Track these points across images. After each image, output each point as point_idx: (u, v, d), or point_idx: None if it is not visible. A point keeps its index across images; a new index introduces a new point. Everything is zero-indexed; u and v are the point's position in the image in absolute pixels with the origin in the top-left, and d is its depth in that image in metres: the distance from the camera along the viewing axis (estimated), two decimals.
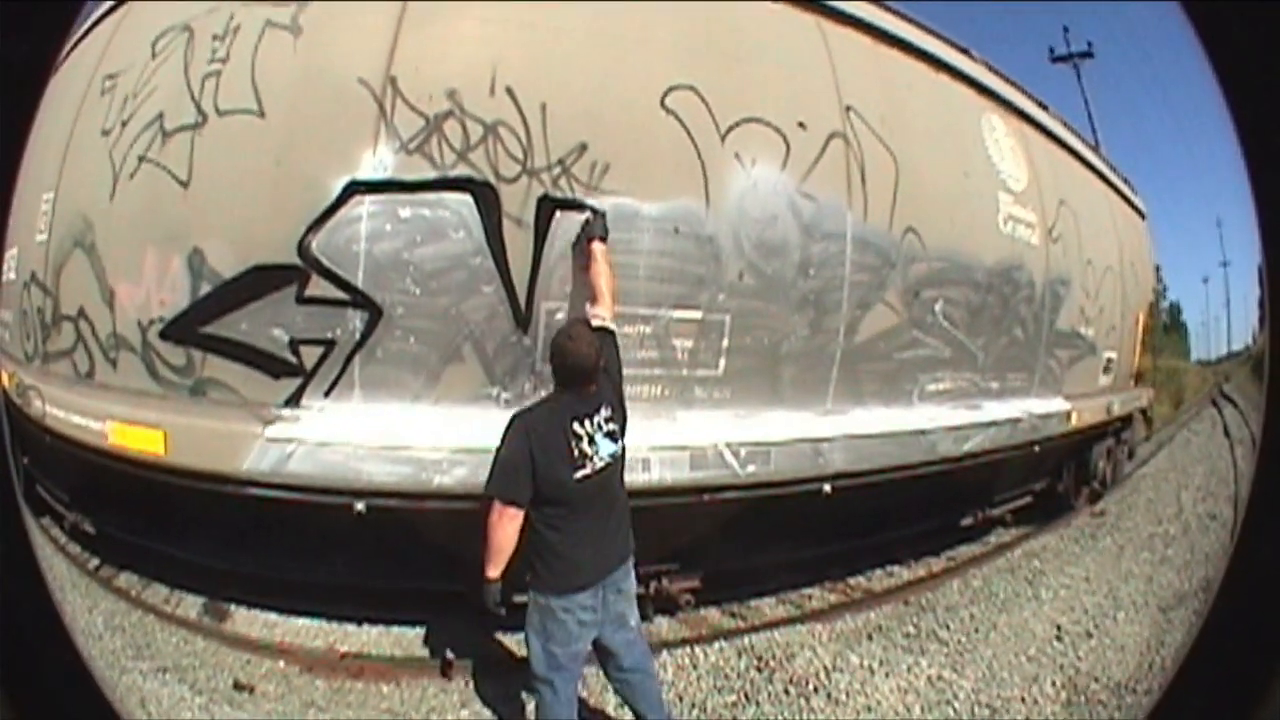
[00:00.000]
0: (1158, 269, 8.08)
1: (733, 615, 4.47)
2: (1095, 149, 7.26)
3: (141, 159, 3.21)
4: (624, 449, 2.68)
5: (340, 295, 3.11)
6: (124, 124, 3.32)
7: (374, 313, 3.13)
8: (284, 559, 3.77)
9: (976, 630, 4.11)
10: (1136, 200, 8.03)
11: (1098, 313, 6.47)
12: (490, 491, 2.48)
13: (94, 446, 3.26)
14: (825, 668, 3.73)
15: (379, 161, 3.09)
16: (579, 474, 2.47)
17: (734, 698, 3.54)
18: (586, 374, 2.57)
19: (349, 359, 3.15)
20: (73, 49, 3.85)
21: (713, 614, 4.41)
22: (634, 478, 3.01)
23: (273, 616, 3.96)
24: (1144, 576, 4.96)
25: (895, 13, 4.67)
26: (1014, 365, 5.32)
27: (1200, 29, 1.51)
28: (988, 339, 4.95)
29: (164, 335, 3.19)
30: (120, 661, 3.25)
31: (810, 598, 4.81)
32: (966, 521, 5.74)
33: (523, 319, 3.28)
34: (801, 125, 3.86)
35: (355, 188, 3.07)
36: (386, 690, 3.46)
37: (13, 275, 3.86)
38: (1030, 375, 5.55)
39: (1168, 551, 5.58)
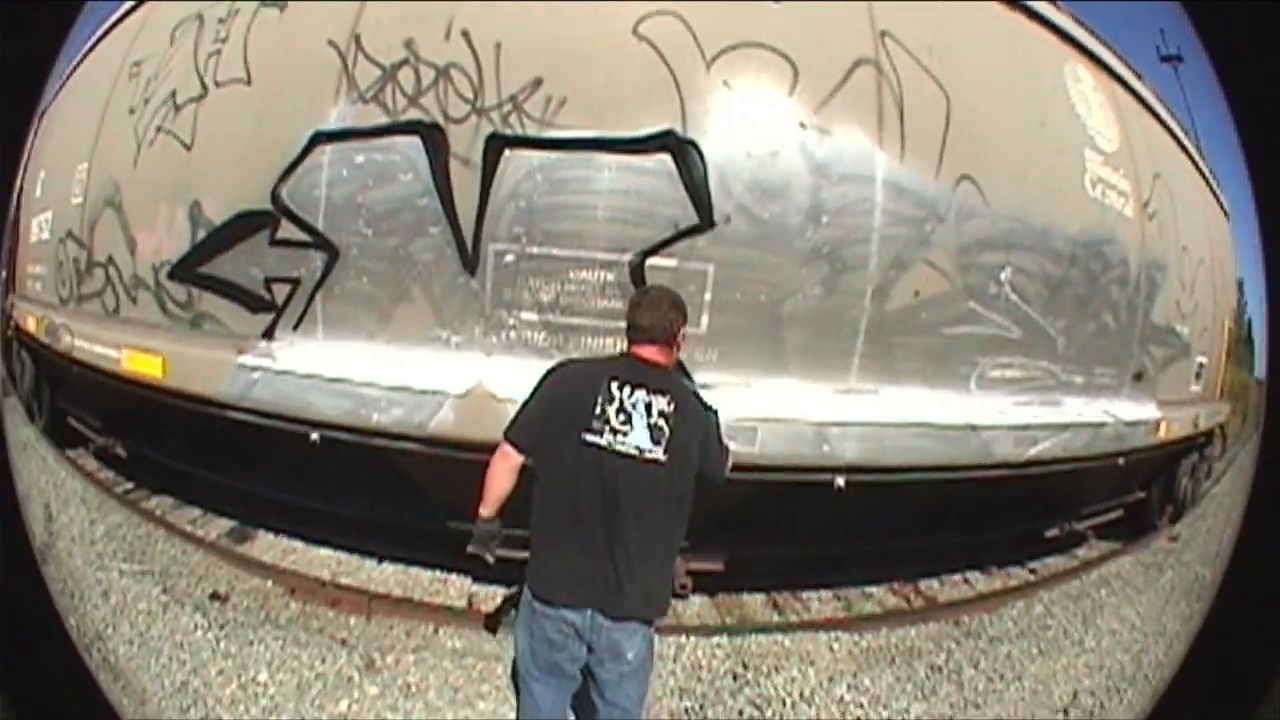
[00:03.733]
0: (1240, 282, 6.72)
1: (775, 607, 4.04)
2: (1188, 134, 5.99)
3: (159, 129, 3.73)
4: (675, 480, 2.05)
5: (304, 237, 3.29)
6: (146, 102, 3.88)
7: (331, 253, 3.28)
8: (320, 491, 3.90)
9: (1003, 677, 3.28)
10: (1222, 198, 6.47)
11: (1193, 309, 5.27)
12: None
13: (111, 372, 3.80)
14: (803, 693, 3.13)
15: (339, 113, 3.25)
16: (589, 436, 1.98)
17: (690, 704, 3.10)
18: (645, 332, 2.11)
19: (312, 296, 3.32)
20: (98, 43, 4.61)
21: (755, 601, 4.03)
22: None
23: (297, 545, 4.18)
24: (1172, 635, 4.02)
25: None
26: (1102, 358, 4.20)
27: (1200, 29, 1.50)
28: (1071, 322, 3.92)
29: (170, 275, 3.64)
30: (104, 561, 3.63)
31: (869, 597, 4.23)
32: (1051, 533, 4.73)
33: (469, 261, 3.20)
34: (814, 49, 3.35)
35: (319, 138, 3.25)
36: (354, 622, 3.49)
37: (46, 235, 4.65)
38: (1121, 372, 4.36)
39: (1196, 606, 4.57)
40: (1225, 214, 6.78)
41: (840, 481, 3.41)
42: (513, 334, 3.25)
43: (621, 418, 2.00)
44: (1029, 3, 4.21)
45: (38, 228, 4.85)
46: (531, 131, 3.12)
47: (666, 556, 2.10)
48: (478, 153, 3.14)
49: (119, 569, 3.55)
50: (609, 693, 2.06)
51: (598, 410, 2.00)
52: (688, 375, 3.18)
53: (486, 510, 2.13)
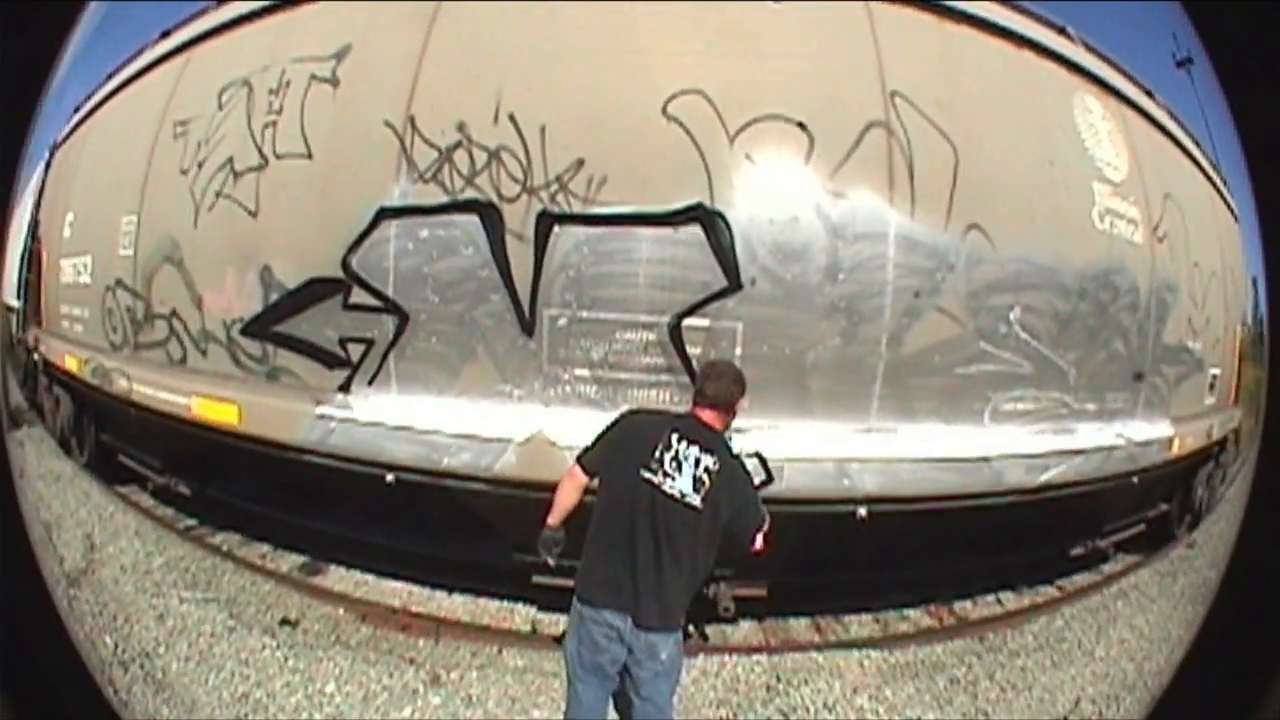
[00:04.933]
0: (1255, 280, 6.67)
1: (818, 629, 4.34)
2: (1200, 144, 6.04)
3: (218, 194, 4.09)
4: (705, 525, 2.38)
5: (375, 303, 3.68)
6: (200, 165, 4.22)
7: (402, 318, 3.67)
8: (391, 529, 4.29)
9: (1015, 688, 3.60)
10: (1231, 201, 6.50)
11: (1205, 323, 5.39)
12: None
13: (176, 416, 4.19)
14: (826, 703, 3.49)
15: (401, 191, 3.60)
16: (645, 473, 2.36)
17: (725, 712, 3.47)
18: (709, 399, 2.52)
19: (385, 355, 3.72)
20: (119, 89, 4.86)
21: (799, 625, 4.33)
22: None
23: (369, 577, 4.44)
24: (1175, 642, 4.16)
25: None
26: (1114, 384, 4.43)
27: (1200, 29, 1.52)
28: (1081, 353, 4.16)
29: (244, 332, 4.04)
30: (160, 589, 3.92)
31: (906, 619, 4.51)
32: (1076, 551, 4.99)
33: (527, 324, 3.57)
34: (829, 117, 3.63)
35: (384, 214, 3.62)
36: (422, 644, 3.80)
37: (86, 280, 4.94)
38: (1133, 395, 4.59)
39: (1199, 609, 4.68)
40: (1235, 216, 6.82)
41: (862, 511, 3.75)
42: (567, 388, 3.63)
43: (674, 465, 2.39)
44: (1037, 38, 4.38)
45: (73, 270, 5.19)
46: (577, 208, 3.47)
47: (687, 584, 2.44)
48: (530, 228, 3.50)
49: (179, 596, 3.88)
50: (644, 689, 2.41)
51: (657, 454, 2.39)
52: None
53: (553, 519, 2.54)
